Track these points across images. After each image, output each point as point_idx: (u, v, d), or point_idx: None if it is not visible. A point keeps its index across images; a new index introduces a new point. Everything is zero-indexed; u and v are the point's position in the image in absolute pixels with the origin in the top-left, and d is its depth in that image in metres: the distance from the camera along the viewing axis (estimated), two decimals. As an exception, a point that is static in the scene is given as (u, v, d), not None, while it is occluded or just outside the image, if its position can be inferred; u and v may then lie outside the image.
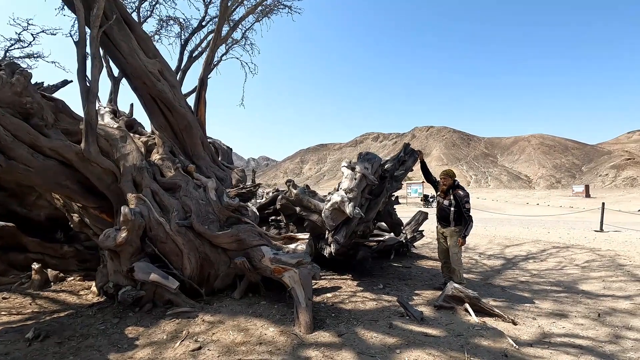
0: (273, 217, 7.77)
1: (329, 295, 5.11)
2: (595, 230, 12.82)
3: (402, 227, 6.68)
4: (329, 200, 5.28)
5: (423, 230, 8.33)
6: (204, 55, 7.21)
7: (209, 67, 6.18)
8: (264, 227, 7.86)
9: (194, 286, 4.52)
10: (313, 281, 5.68)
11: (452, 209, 5.40)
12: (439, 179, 5.64)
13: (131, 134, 5.55)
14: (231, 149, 7.24)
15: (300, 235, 5.25)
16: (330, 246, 5.45)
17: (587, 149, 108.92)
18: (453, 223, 5.45)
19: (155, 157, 5.41)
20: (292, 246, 5.09)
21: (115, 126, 5.40)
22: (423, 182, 38.56)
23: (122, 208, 4.29)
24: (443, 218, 5.58)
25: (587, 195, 40.67)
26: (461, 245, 5.44)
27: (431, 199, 33.97)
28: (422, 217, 7.80)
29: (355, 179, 5.44)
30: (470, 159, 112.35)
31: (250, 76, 10.79)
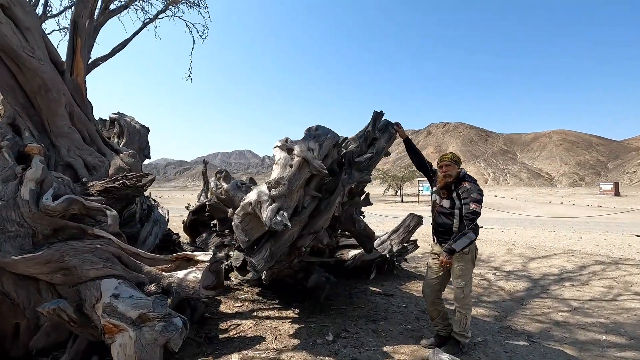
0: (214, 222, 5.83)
1: None
2: (638, 235, 10.50)
3: (372, 240, 4.60)
4: (244, 200, 3.27)
5: (416, 240, 6.24)
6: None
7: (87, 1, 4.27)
8: (204, 235, 5.93)
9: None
10: (229, 324, 3.69)
11: (457, 212, 3.17)
12: (438, 167, 3.42)
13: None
14: (147, 130, 5.32)
15: (201, 256, 3.27)
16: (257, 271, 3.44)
17: (612, 145, 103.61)
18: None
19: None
20: (179, 274, 3.12)
21: None
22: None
23: None
24: (441, 229, 3.32)
25: (617, 194, 37.48)
26: (443, 265, 3.15)
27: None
28: (415, 222, 5.71)
29: (290, 166, 3.41)
30: (488, 156, 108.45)
31: (199, 41, 8.83)
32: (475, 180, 3.33)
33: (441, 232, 3.29)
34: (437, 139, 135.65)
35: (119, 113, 5.25)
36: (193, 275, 3.08)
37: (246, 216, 3.17)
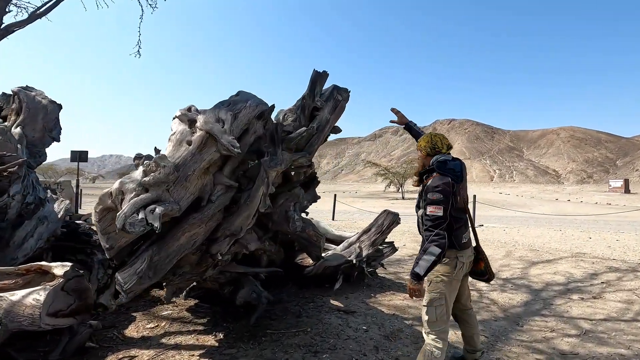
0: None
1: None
2: (657, 237, 9.43)
3: (316, 244, 3.59)
4: (105, 190, 2.30)
5: (393, 242, 5.25)
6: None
7: None
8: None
9: None
10: (120, 356, 2.73)
11: (420, 214, 2.47)
12: None
13: None
14: (58, 106, 4.35)
15: (56, 269, 2.32)
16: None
17: (622, 142, 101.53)
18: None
19: None
20: (15, 296, 2.17)
21: None
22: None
23: None
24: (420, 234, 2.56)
25: (627, 191, 36.09)
26: (412, 295, 2.28)
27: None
28: (389, 220, 4.70)
29: (187, 143, 2.44)
30: (494, 153, 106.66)
31: (149, 11, 7.87)
32: (452, 172, 2.37)
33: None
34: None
35: (26, 87, 4.31)
36: (33, 297, 2.13)
37: (106, 213, 2.21)
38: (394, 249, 5.24)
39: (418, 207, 2.49)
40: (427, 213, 2.25)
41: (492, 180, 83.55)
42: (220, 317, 3.66)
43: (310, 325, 3.49)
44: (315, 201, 4.26)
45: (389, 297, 4.46)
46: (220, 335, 3.22)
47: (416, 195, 2.57)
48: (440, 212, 2.21)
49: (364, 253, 4.59)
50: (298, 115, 2.87)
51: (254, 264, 3.49)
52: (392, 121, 3.11)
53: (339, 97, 2.77)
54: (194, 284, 3.39)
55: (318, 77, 2.79)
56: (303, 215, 3.67)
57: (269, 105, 2.78)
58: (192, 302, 4.12)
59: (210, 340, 3.14)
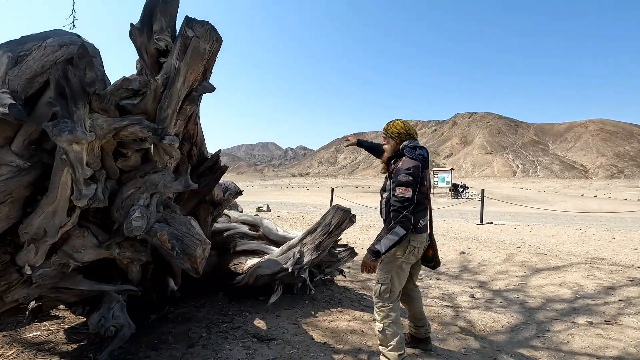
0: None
1: None
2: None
3: (186, 256, 2.62)
4: None
5: (349, 246, 4.24)
6: None
7: None
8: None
9: None
10: None
11: (385, 197, 2.60)
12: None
13: None
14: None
15: None
16: None
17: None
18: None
19: None
20: None
21: None
22: (452, 168, 33.11)
23: None
24: (382, 216, 2.74)
25: (661, 187, 33.54)
26: (366, 270, 2.46)
27: (461, 189, 28.96)
28: (338, 218, 3.67)
29: None
30: (517, 147, 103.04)
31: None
32: (422, 157, 2.48)
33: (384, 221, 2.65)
34: (463, 129, 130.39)
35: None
36: None
37: None
38: (354, 253, 4.24)
39: (383, 190, 2.62)
40: (396, 194, 2.34)
41: (515, 175, 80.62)
42: (98, 344, 2.79)
43: (210, 354, 2.58)
44: (236, 196, 3.34)
45: (333, 315, 3.48)
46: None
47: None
48: (409, 194, 2.32)
49: (306, 259, 3.61)
50: (141, 65, 1.95)
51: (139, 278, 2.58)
52: (347, 145, 3.46)
53: (188, 34, 1.80)
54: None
55: (155, 5, 1.82)
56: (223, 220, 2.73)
57: (90, 46, 1.85)
58: (82, 319, 3.28)
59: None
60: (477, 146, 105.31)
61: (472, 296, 4.20)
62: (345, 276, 4.43)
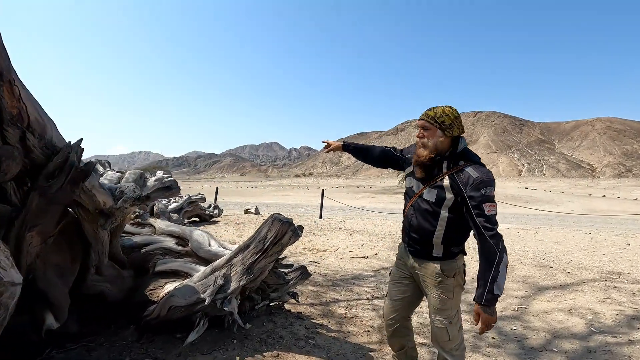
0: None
1: None
2: None
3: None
4: None
5: (294, 264, 3.35)
6: None
7: None
8: None
9: None
10: None
11: (444, 214, 1.87)
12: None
13: None
14: None
15: None
16: None
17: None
18: (441, 249, 1.93)
19: None
20: None
21: None
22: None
23: None
24: (414, 234, 2.01)
25: (672, 186, 32.33)
26: (483, 328, 1.76)
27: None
28: (275, 233, 2.76)
29: None
30: (522, 146, 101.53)
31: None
32: (482, 164, 1.90)
33: (415, 241, 2.00)
34: (467, 129, 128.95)
35: None
36: None
37: None
38: (306, 274, 3.36)
39: (436, 203, 1.88)
40: (486, 213, 1.75)
41: (520, 174, 79.31)
42: None
43: None
44: (134, 202, 2.48)
45: (266, 363, 2.61)
46: None
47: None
48: (496, 211, 1.78)
49: (233, 285, 2.73)
50: None
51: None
52: (327, 151, 2.66)
53: None
54: None
55: None
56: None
57: None
58: None
59: None
60: (481, 145, 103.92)
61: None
62: (298, 301, 3.54)
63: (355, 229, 9.35)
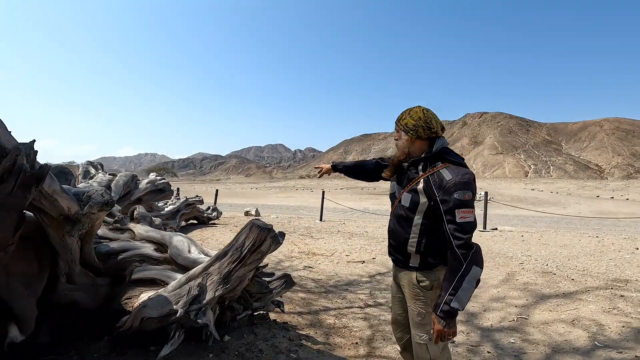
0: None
1: None
2: None
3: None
4: None
5: (274, 273, 3.17)
6: None
7: None
8: None
9: None
10: None
11: (417, 220, 1.74)
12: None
13: None
14: None
15: None
16: None
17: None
18: (417, 258, 1.77)
19: None
20: None
21: None
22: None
23: None
24: (391, 241, 1.90)
25: (682, 187, 31.73)
26: (439, 339, 1.62)
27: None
28: (253, 240, 2.59)
29: None
30: (529, 147, 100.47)
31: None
32: (463, 160, 1.77)
33: (393, 248, 1.90)
34: (473, 129, 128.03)
35: None
36: None
37: None
38: (290, 282, 3.18)
39: (410, 208, 1.76)
40: (457, 220, 1.58)
41: (527, 176, 78.46)
42: None
43: None
44: (104, 207, 2.33)
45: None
46: None
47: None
48: (472, 218, 1.61)
49: (208, 295, 2.57)
50: None
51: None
52: (320, 175, 2.60)
53: None
54: None
55: None
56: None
57: None
58: None
59: None
60: (487, 146, 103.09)
61: (452, 341, 3.11)
62: (283, 310, 3.37)
63: (355, 232, 9.16)
